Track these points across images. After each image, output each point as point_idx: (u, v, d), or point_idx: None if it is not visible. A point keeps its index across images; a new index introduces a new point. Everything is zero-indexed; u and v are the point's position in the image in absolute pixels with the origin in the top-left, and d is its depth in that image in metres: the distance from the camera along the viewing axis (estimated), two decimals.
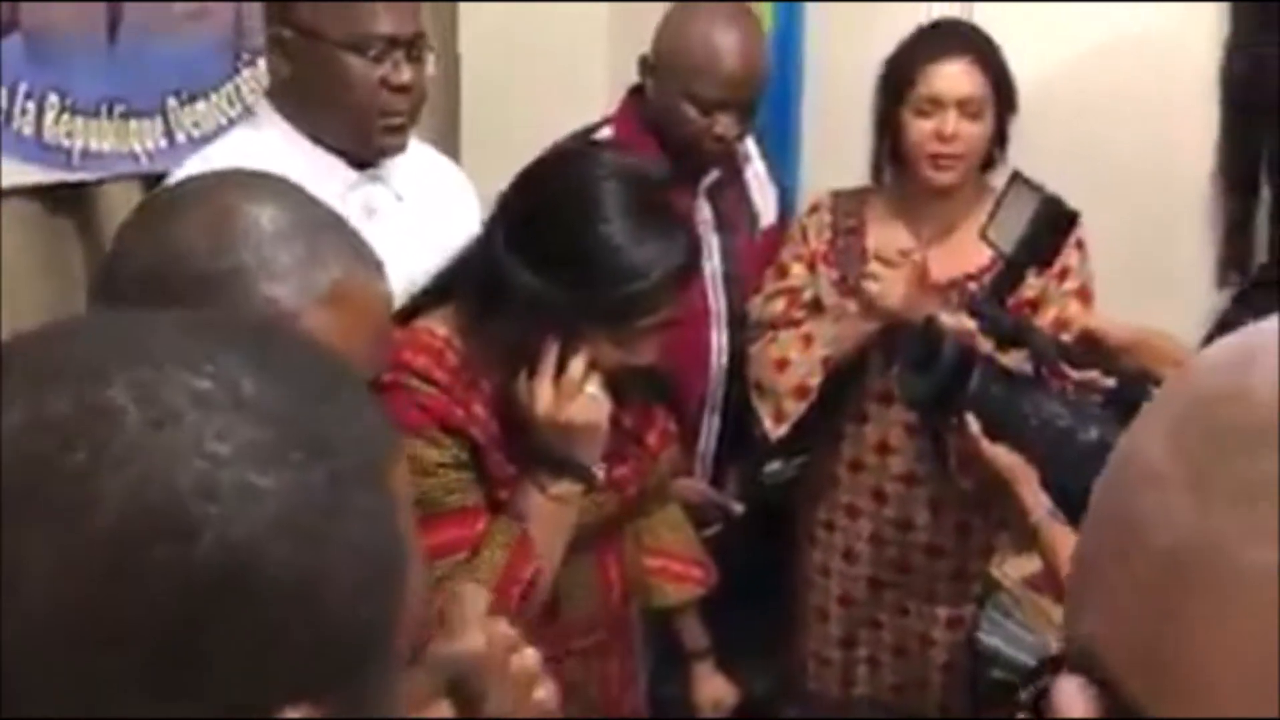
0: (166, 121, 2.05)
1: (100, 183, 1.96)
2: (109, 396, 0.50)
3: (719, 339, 2.06)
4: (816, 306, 2.02)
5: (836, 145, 2.43)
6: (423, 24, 1.62)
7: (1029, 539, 1.52)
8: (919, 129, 1.93)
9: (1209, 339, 1.49)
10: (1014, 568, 1.91)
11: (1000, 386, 1.47)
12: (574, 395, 1.36)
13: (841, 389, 1.98)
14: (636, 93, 2.07)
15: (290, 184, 0.90)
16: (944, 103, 1.91)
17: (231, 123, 2.12)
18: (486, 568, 1.35)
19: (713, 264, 2.04)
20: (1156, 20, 2.23)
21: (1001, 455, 1.46)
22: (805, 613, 2.14)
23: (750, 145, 2.14)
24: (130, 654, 0.48)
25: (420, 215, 1.66)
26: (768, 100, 2.10)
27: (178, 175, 1.61)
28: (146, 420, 0.50)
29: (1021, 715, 0.46)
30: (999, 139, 1.96)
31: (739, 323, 2.07)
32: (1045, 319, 1.87)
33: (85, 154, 1.94)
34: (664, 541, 1.73)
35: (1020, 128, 1.99)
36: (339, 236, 0.89)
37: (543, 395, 1.36)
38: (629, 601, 1.62)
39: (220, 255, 0.84)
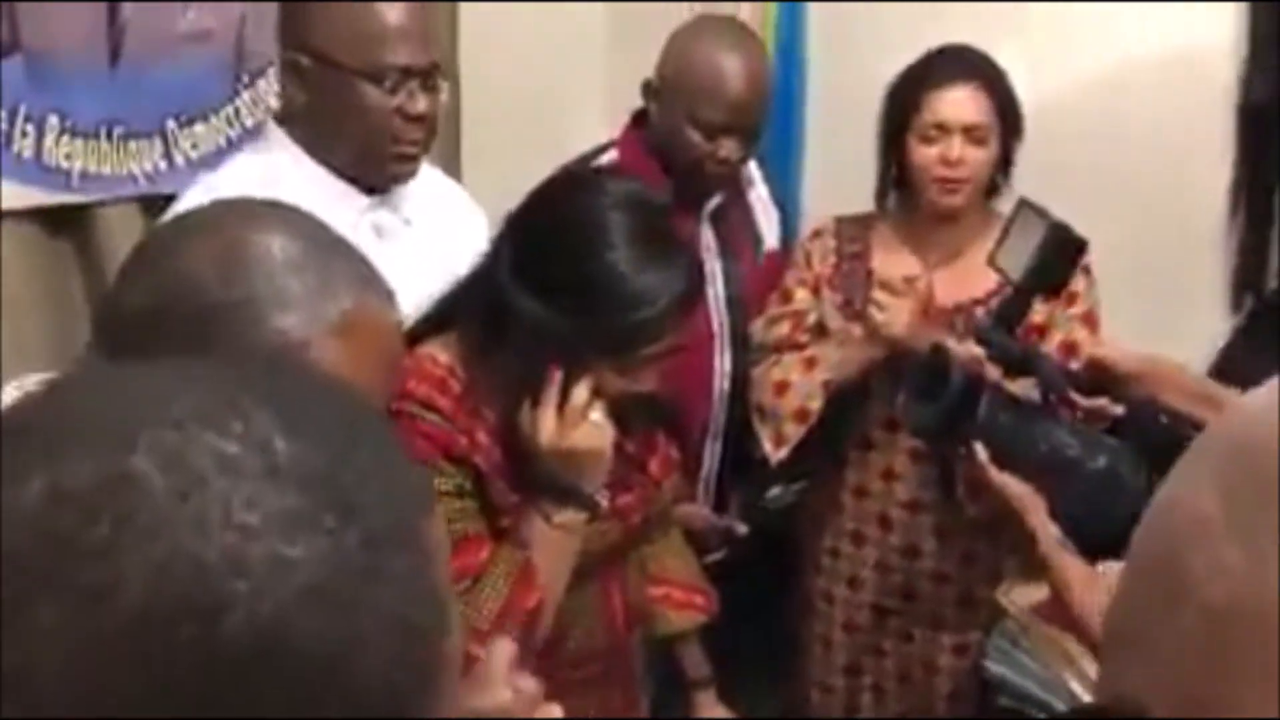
0: (166, 143, 2.04)
1: (99, 204, 1.96)
2: (132, 464, 0.47)
3: (722, 363, 2.05)
4: (820, 331, 2.01)
5: (837, 168, 2.43)
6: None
7: (1037, 568, 1.51)
8: (924, 154, 1.93)
9: (1216, 367, 1.49)
10: (1021, 595, 1.90)
11: (1008, 415, 1.46)
12: (577, 423, 1.35)
13: (844, 414, 1.97)
14: (639, 118, 2.06)
15: (300, 212, 0.89)
16: (949, 128, 1.91)
17: (231, 144, 2.12)
18: (490, 596, 1.33)
19: (716, 288, 2.04)
20: (1171, 42, 2.22)
21: (1010, 484, 1.45)
22: (809, 640, 2.12)
23: (753, 168, 2.14)
24: None
25: (428, 240, 1.65)
26: (769, 123, 2.09)
27: (187, 195, 1.60)
28: (172, 490, 0.47)
29: None
30: (1004, 164, 1.96)
31: (742, 346, 2.06)
32: (1052, 344, 1.86)
33: (85, 176, 1.93)
34: (666, 569, 1.72)
35: (1032, 151, 1.99)
36: (350, 265, 0.87)
37: (546, 423, 1.35)
38: (632, 629, 1.61)
39: (231, 285, 0.82)
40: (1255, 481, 0.40)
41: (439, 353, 1.39)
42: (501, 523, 1.39)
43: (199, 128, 2.08)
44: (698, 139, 1.94)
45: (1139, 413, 1.46)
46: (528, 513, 1.38)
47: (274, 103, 2.18)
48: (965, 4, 2.34)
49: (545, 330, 1.34)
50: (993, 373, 1.53)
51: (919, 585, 2.04)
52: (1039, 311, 1.81)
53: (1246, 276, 1.42)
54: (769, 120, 2.05)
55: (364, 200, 1.61)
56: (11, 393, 1.15)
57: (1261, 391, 0.44)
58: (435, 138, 1.66)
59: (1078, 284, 1.86)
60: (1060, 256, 1.46)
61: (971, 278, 1.91)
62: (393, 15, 1.53)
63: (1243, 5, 1.46)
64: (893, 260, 2.01)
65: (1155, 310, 2.08)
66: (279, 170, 1.56)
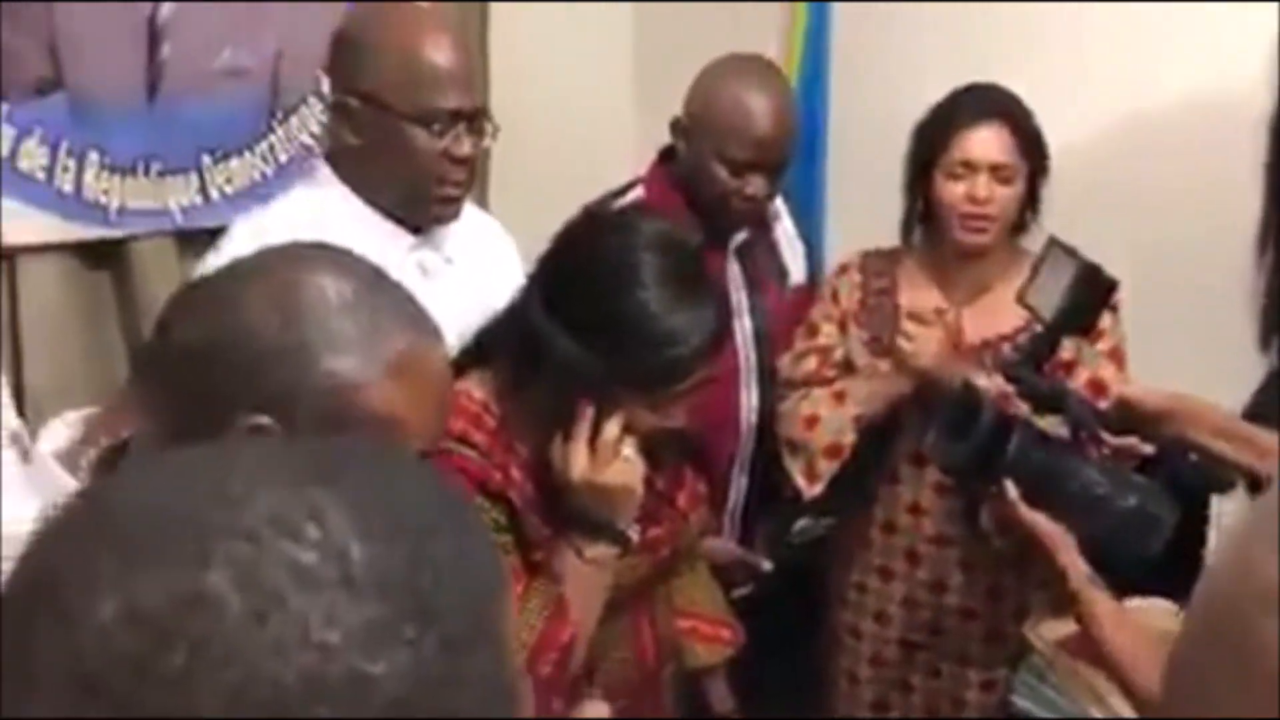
0: (201, 178, 2.08)
1: (134, 237, 1.99)
2: (207, 582, 0.46)
3: (749, 397, 2.06)
4: (848, 366, 2.02)
5: (858, 203, 2.44)
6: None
7: (1067, 605, 1.51)
8: (951, 191, 1.93)
9: (1250, 411, 1.48)
10: (1048, 630, 1.89)
11: (1039, 452, 1.46)
12: (609, 459, 1.37)
13: (874, 449, 1.98)
14: (666, 154, 2.08)
15: (351, 254, 0.90)
16: (976, 167, 1.92)
17: (264, 179, 2.15)
18: (524, 631, 1.34)
19: (743, 322, 2.05)
20: (1198, 78, 2.22)
21: (1040, 522, 1.45)
22: (835, 675, 2.12)
23: (779, 203, 2.15)
24: None
25: (468, 277, 1.67)
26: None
27: (237, 227, 1.63)
28: (248, 611, 0.46)
29: None
30: (1031, 202, 1.97)
31: (769, 381, 2.07)
32: (1079, 381, 1.86)
33: (122, 210, 1.97)
34: (693, 602, 1.72)
35: (1061, 188, 1.99)
36: (400, 307, 0.89)
37: (578, 459, 1.36)
38: (662, 663, 1.61)
39: (286, 329, 0.83)
40: None
41: (474, 388, 1.40)
42: (535, 556, 1.40)
43: (234, 163, 2.12)
44: (724, 175, 1.96)
45: (1168, 451, 1.46)
46: (560, 547, 1.39)
47: (307, 139, 2.21)
48: (989, 40, 2.36)
49: (577, 367, 1.35)
50: (1022, 410, 1.53)
51: (946, 620, 2.03)
52: (1066, 348, 1.81)
53: (1277, 317, 1.42)
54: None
55: (409, 239, 1.63)
56: (60, 429, 1.16)
57: None
58: (476, 178, 1.68)
59: (1104, 321, 1.87)
60: (1091, 296, 1.47)
61: (998, 314, 1.92)
62: (442, 59, 1.56)
63: (1274, 42, 1.47)
64: (919, 295, 2.01)
65: (1185, 350, 2.08)
66: (328, 207, 1.59)
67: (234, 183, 2.11)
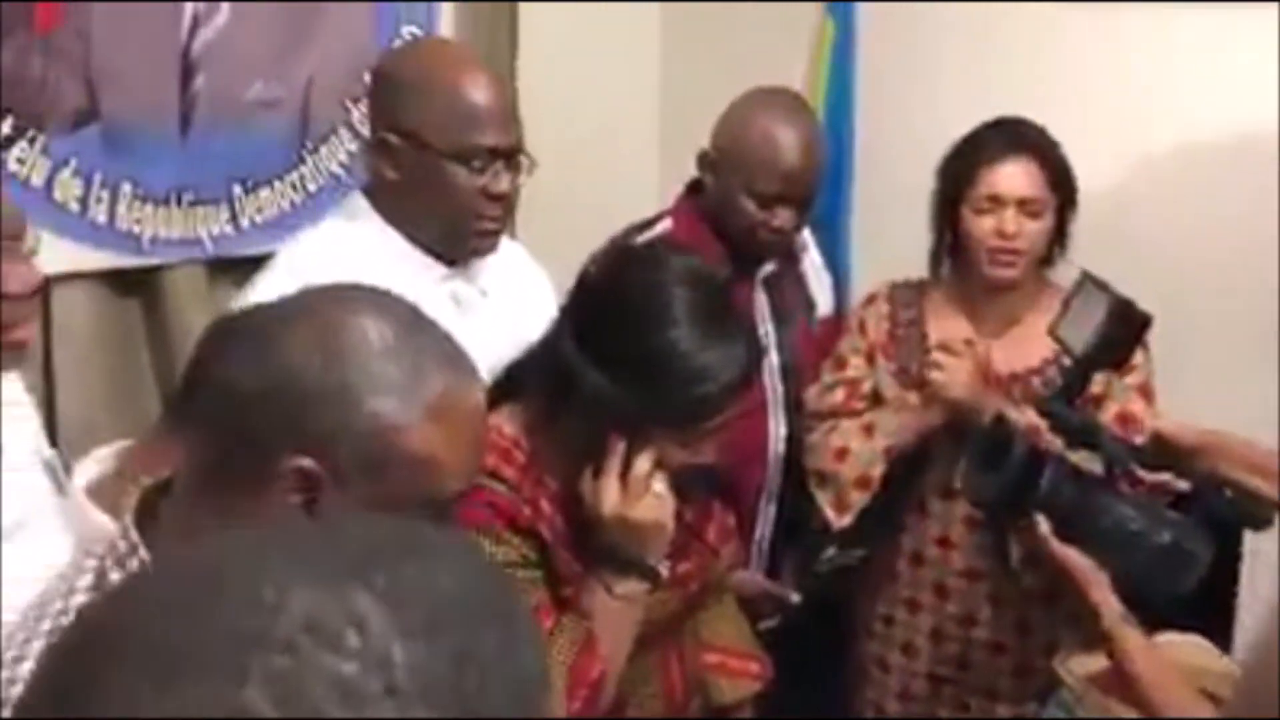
0: (232, 208, 2.10)
1: (166, 266, 2.01)
2: (245, 700, 0.44)
3: (777, 428, 2.06)
4: (876, 398, 2.02)
5: (884, 235, 2.44)
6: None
7: (1097, 640, 1.50)
8: (979, 225, 1.93)
9: None
10: (1078, 665, 1.88)
11: (1071, 487, 1.45)
12: (640, 494, 1.36)
13: (903, 481, 1.97)
14: (694, 187, 2.09)
15: (390, 295, 0.91)
16: (1004, 202, 1.91)
17: (294, 208, 2.17)
18: (554, 667, 1.34)
19: (770, 353, 2.04)
20: (1230, 112, 2.20)
21: (1073, 557, 1.44)
22: (862, 708, 2.10)
23: (806, 235, 2.16)
24: None
25: (502, 309, 1.68)
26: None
27: (277, 261, 1.63)
28: None
29: None
30: (1059, 235, 1.96)
31: (797, 412, 2.07)
32: (1108, 414, 1.85)
33: (154, 240, 1.99)
34: (720, 635, 1.71)
35: (1093, 220, 1.98)
36: (439, 347, 0.89)
37: (609, 494, 1.36)
38: (691, 698, 1.60)
39: (328, 371, 0.83)
40: None
41: (504, 423, 1.40)
42: (564, 591, 1.40)
43: (264, 193, 2.14)
44: (752, 208, 1.97)
45: (1203, 487, 1.45)
46: (590, 583, 1.38)
47: (337, 169, 2.23)
48: (1016, 73, 2.36)
49: (608, 402, 1.35)
50: (1054, 444, 1.53)
51: (974, 654, 2.02)
52: (1096, 382, 1.80)
53: None
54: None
55: (443, 270, 1.63)
56: (92, 467, 1.17)
57: None
58: (513, 213, 1.70)
59: (1135, 356, 1.86)
60: (1124, 331, 1.46)
61: (1027, 347, 1.91)
62: (481, 97, 1.57)
63: None
64: (948, 326, 2.01)
65: (1213, 383, 2.07)
66: (365, 241, 1.60)
67: (264, 212, 2.14)
